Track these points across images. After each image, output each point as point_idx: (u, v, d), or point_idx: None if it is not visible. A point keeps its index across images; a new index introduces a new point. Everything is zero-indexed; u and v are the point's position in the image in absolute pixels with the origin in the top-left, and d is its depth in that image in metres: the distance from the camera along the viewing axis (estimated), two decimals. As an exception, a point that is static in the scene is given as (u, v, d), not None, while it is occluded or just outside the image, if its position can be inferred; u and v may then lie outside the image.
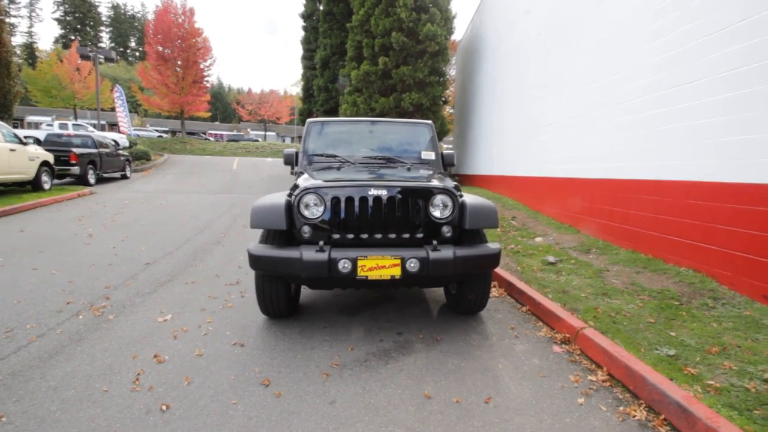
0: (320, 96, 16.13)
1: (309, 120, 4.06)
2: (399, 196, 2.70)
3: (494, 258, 2.69)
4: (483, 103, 11.73)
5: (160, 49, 27.75)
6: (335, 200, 2.70)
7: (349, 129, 4.15)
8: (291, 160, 3.92)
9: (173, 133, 43.98)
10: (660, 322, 2.84)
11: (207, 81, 34.51)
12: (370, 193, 2.70)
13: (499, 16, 10.42)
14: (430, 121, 4.17)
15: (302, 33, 19.33)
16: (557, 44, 6.78)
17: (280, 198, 2.85)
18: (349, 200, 2.69)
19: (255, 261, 2.57)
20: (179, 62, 30.52)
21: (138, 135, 27.79)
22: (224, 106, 61.91)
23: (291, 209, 2.72)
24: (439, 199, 2.76)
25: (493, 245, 2.76)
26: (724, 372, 2.18)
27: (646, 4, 4.54)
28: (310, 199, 2.70)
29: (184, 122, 35.31)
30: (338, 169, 3.48)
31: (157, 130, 39.67)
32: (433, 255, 2.51)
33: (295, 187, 2.98)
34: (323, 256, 2.46)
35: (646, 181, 4.41)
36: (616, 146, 5.03)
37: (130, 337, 2.70)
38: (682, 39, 3.95)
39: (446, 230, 2.74)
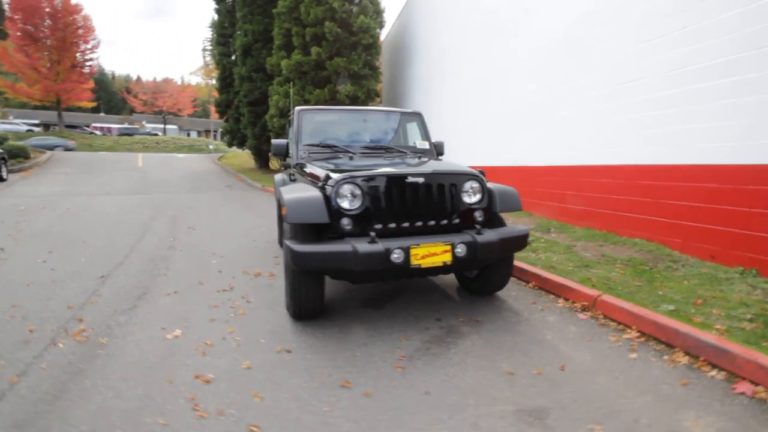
0: (243, 86, 15.03)
1: (299, 108, 3.82)
2: (435, 182, 2.71)
3: (525, 238, 2.87)
4: (417, 97, 12.07)
5: (28, 27, 23.30)
6: (374, 189, 2.61)
7: (341, 118, 4.01)
8: (282, 151, 3.67)
9: (47, 126, 37.23)
10: (645, 284, 3.30)
11: (89, 66, 29.92)
12: (408, 180, 2.66)
13: (433, 14, 10.80)
14: (419, 111, 4.21)
15: (215, 16, 17.70)
16: (500, 45, 7.29)
17: (309, 190, 2.66)
18: (388, 189, 2.63)
19: (302, 258, 2.36)
20: (50, 43, 25.92)
21: None
22: (109, 96, 54.04)
23: (327, 201, 2.55)
24: (469, 185, 2.83)
25: (521, 227, 2.93)
26: (718, 317, 2.64)
27: (592, 14, 5.14)
28: (347, 189, 2.57)
29: (62, 113, 30.19)
30: (350, 158, 3.35)
31: (26, 123, 33.16)
32: (480, 239, 2.58)
33: (303, 176, 2.82)
34: (379, 247, 2.37)
35: (599, 166, 5.03)
36: (564, 137, 5.64)
37: (147, 360, 2.30)
38: (628, 43, 4.57)
39: (478, 215, 2.83)
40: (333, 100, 12.18)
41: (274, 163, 18.52)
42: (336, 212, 2.53)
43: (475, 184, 2.84)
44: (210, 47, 21.59)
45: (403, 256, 2.42)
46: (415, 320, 2.84)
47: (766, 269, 3.25)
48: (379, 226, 2.60)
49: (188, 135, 44.58)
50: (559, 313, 2.96)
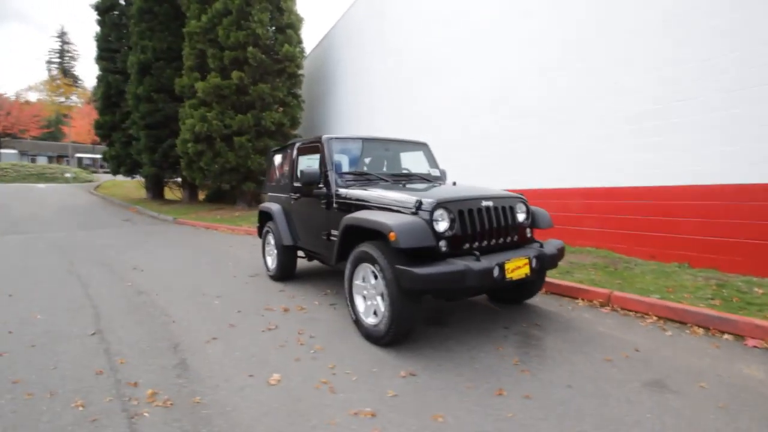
0: (141, 107, 13.36)
1: (327, 137, 3.85)
2: (499, 205, 3.09)
3: (564, 251, 3.41)
4: (340, 126, 12.41)
5: None
6: (459, 213, 2.86)
7: (366, 147, 4.12)
8: (315, 179, 3.63)
9: None
10: (624, 281, 4.17)
11: None
12: (482, 204, 2.99)
13: (361, 48, 11.42)
14: (425, 141, 4.59)
15: (98, 28, 15.37)
16: (433, 83, 8.19)
17: (406, 217, 2.75)
18: (470, 212, 2.91)
19: (425, 280, 2.46)
20: None
21: None
22: None
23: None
24: (519, 206, 3.29)
25: (558, 241, 3.47)
26: (690, 299, 3.54)
27: (540, 56, 6.29)
28: (442, 213, 2.77)
29: None
30: (403, 185, 3.51)
31: None
32: (546, 252, 3.03)
33: (347, 203, 2.99)
34: (487, 265, 2.62)
35: (549, 189, 6.06)
36: (517, 166, 6.63)
37: (279, 409, 2.09)
38: (566, 96, 5.75)
39: (528, 232, 3.30)
40: (258, 126, 11.77)
41: (174, 193, 16.61)
42: (435, 235, 2.70)
43: (523, 206, 3.31)
44: (56, 60, 18.48)
45: (500, 271, 2.72)
46: (486, 332, 3.10)
47: (693, 262, 4.43)
48: (466, 246, 2.85)
49: (33, 161, 36.46)
50: (587, 310, 3.57)
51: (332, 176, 3.66)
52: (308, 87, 14.48)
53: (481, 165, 7.13)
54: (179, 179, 15.34)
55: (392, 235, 2.58)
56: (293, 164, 4.40)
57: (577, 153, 5.64)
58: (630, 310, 3.48)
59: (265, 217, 5.04)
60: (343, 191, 3.51)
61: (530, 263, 2.92)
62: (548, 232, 6.15)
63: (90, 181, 27.43)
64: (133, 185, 19.85)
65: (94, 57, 15.56)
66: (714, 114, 4.24)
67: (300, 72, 12.71)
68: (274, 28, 12.08)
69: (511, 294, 3.69)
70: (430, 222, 2.71)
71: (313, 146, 4.07)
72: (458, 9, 7.67)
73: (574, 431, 1.86)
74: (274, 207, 4.67)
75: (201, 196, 16.47)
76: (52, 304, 3.91)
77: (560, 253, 3.22)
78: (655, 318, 3.29)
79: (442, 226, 2.75)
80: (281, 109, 12.50)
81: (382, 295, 2.79)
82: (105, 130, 15.87)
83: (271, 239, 4.82)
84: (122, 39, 14.90)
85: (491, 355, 2.68)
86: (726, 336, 2.89)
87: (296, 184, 4.29)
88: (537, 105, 6.17)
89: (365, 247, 2.90)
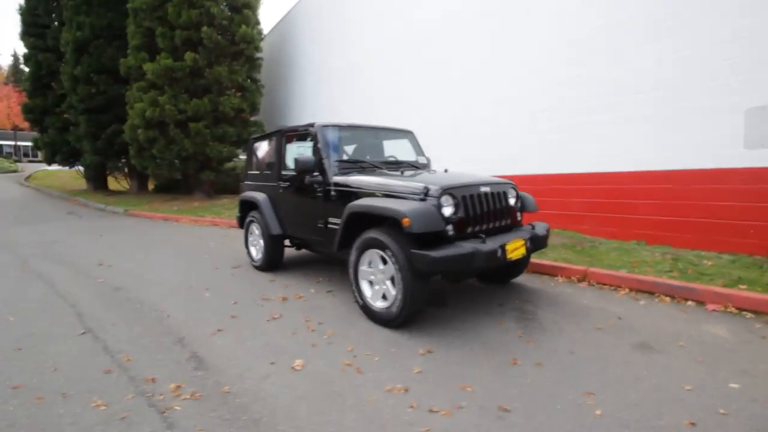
0: (79, 89, 12.17)
1: (322, 124, 3.82)
2: (495, 190, 3.28)
3: (549, 232, 3.69)
4: (305, 114, 12.16)
5: None
6: (464, 198, 3.01)
7: (355, 135, 4.14)
8: (310, 167, 3.62)
9: None
10: (592, 258, 4.58)
11: None
12: (482, 190, 3.16)
13: (328, 41, 11.16)
14: (411, 129, 4.68)
15: (21, 0, 13.61)
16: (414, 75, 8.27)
17: (416, 203, 2.84)
18: (471, 197, 3.06)
19: (440, 262, 2.58)
20: None
21: None
22: None
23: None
24: (512, 191, 3.50)
25: (545, 224, 3.72)
26: (652, 272, 3.99)
27: (502, 64, 6.54)
28: (447, 199, 2.90)
29: None
30: (402, 172, 3.58)
31: None
32: (538, 233, 3.28)
33: (350, 194, 3.14)
34: (493, 246, 2.80)
35: (518, 176, 6.41)
36: (481, 154, 6.92)
37: (322, 391, 2.13)
38: (539, 83, 6.07)
39: (518, 216, 3.53)
40: (215, 112, 11.20)
41: (120, 184, 15.40)
42: (443, 220, 2.82)
43: (513, 191, 3.52)
44: None
45: (501, 252, 2.91)
46: (484, 310, 3.31)
47: (649, 240, 4.95)
48: (469, 230, 3.01)
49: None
50: (568, 285, 3.91)
51: (328, 164, 3.66)
52: (266, 72, 13.95)
53: (449, 155, 7.36)
54: (126, 168, 14.25)
55: (406, 221, 2.67)
56: (281, 152, 4.31)
57: (543, 142, 6.01)
58: (605, 284, 3.86)
59: (247, 207, 4.91)
60: (341, 179, 3.53)
61: (526, 244, 3.15)
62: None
63: (14, 171, 24.65)
64: (71, 175, 18.10)
65: (19, 33, 13.82)
66: (666, 107, 4.71)
67: (259, 55, 12.21)
68: (229, 7, 11.45)
69: (500, 273, 3.93)
70: (438, 207, 2.83)
71: (304, 134, 4.02)
72: (427, -3, 7.75)
73: (587, 390, 2.10)
74: (259, 196, 4.56)
75: (151, 185, 15.45)
76: (21, 305, 3.60)
77: (548, 235, 3.48)
78: (627, 290, 3.68)
79: (447, 211, 2.89)
80: (239, 94, 11.97)
81: (392, 279, 2.88)
82: (36, 115, 14.29)
83: (255, 229, 4.71)
84: (52, 13, 13.36)
85: (495, 330, 2.88)
86: (689, 302, 3.32)
87: (285, 173, 4.22)
88: (507, 96, 6.46)
89: (373, 233, 2.97)
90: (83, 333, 2.97)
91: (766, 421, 1.82)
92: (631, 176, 5.08)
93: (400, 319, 2.84)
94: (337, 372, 2.34)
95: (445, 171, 3.89)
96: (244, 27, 11.16)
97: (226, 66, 11.34)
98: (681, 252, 4.49)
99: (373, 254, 3.02)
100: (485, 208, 3.14)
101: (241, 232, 5.04)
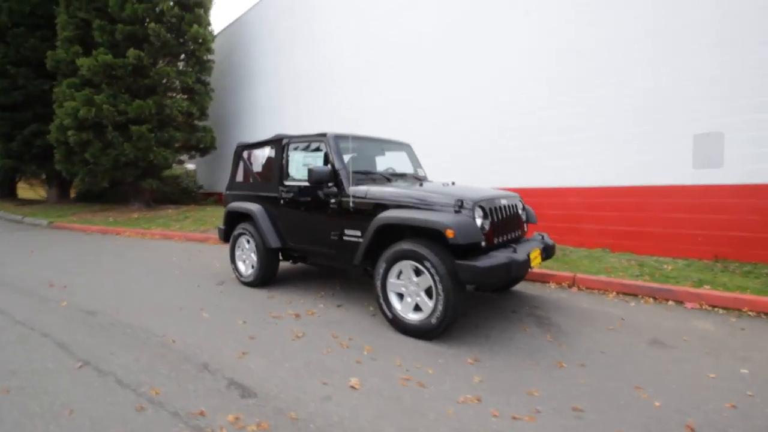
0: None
1: (333, 134, 3.76)
2: (508, 203, 3.47)
3: None
4: (260, 122, 11.72)
5: None
6: (490, 210, 3.14)
7: (366, 146, 4.11)
8: (325, 178, 3.54)
9: None
10: (569, 265, 5.00)
11: None
12: (501, 202, 3.32)
13: (280, 36, 10.89)
14: (408, 142, 4.76)
15: None
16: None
17: (454, 215, 2.90)
18: (495, 210, 3.21)
19: (485, 272, 2.67)
20: None
21: None
22: None
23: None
24: (520, 203, 3.73)
25: (545, 233, 4.00)
26: (624, 276, 4.47)
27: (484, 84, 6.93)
28: (478, 211, 3.01)
29: None
30: (421, 184, 3.61)
31: None
32: (548, 243, 3.52)
33: (376, 207, 3.22)
34: (524, 256, 2.95)
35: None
36: (459, 169, 7.22)
37: (394, 408, 2.07)
38: (508, 112, 6.52)
39: (525, 227, 3.76)
40: (160, 114, 10.35)
41: (35, 191, 13.40)
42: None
43: (521, 203, 3.75)
44: None
45: (528, 260, 3.08)
46: (502, 317, 3.45)
47: (613, 248, 5.52)
48: (496, 241, 3.15)
49: None
50: (562, 291, 4.21)
51: (344, 174, 3.59)
52: (217, 76, 13.23)
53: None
54: (44, 174, 12.49)
55: (451, 233, 2.72)
56: (282, 162, 4.13)
57: (518, 158, 6.46)
58: (593, 288, 4.23)
59: (235, 219, 4.61)
60: (361, 190, 3.48)
61: (541, 253, 3.36)
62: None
63: None
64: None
65: None
66: (628, 130, 5.35)
67: (210, 57, 11.57)
68: (180, 5, 10.73)
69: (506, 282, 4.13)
70: (473, 219, 2.93)
71: (313, 144, 3.91)
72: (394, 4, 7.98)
73: (635, 384, 2.30)
74: (253, 207, 4.30)
75: (73, 194, 13.70)
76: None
77: (555, 244, 3.76)
78: (614, 293, 4.07)
79: (479, 222, 2.99)
80: (186, 97, 11.19)
81: (428, 290, 2.91)
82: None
83: (245, 243, 4.43)
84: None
85: (523, 336, 3.03)
86: (670, 302, 3.77)
87: (289, 183, 4.05)
88: (484, 115, 6.84)
89: (407, 245, 2.97)
90: (81, 366, 2.56)
91: (783, 401, 2.15)
92: (598, 191, 5.65)
93: (440, 330, 2.86)
94: (399, 387, 2.29)
95: (453, 184, 4.02)
96: (195, 26, 10.53)
97: (174, 67, 10.58)
98: (643, 258, 5.08)
99: (405, 266, 3.02)
100: (505, 220, 3.31)
101: (207, 245, 4.73)
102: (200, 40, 10.78)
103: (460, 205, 2.98)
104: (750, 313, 3.45)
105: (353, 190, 3.51)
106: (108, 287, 4.41)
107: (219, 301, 3.93)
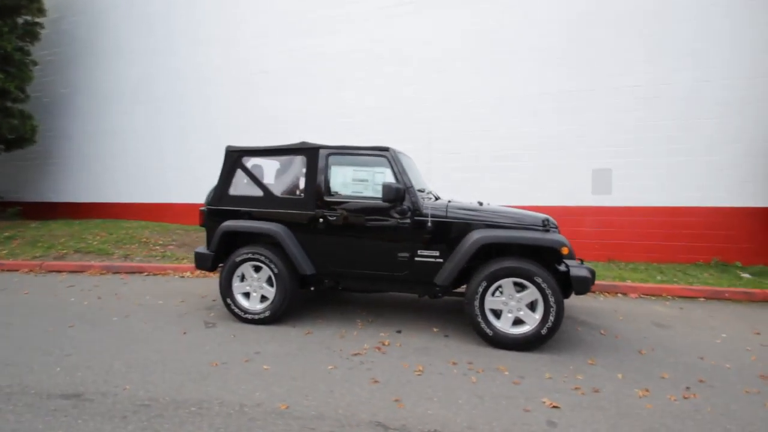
0: None
1: (395, 150, 3.56)
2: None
3: None
4: (105, 110, 9.26)
5: None
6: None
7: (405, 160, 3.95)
8: (400, 195, 3.37)
9: None
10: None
11: None
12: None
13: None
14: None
15: None
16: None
17: (538, 233, 3.20)
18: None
19: (592, 282, 3.05)
20: None
21: None
22: None
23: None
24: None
25: None
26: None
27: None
28: (555, 229, 3.42)
29: None
30: (481, 203, 3.73)
31: None
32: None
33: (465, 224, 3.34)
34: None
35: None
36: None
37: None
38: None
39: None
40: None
41: None
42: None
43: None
44: None
45: (580, 271, 3.65)
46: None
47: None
48: (558, 256, 3.61)
49: None
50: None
51: (414, 192, 3.43)
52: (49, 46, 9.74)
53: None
54: None
55: (566, 250, 3.03)
56: (322, 176, 3.57)
57: (458, 180, 7.21)
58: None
59: (233, 241, 3.70)
60: (438, 208, 3.41)
61: (567, 264, 4.01)
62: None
63: None
64: None
65: None
66: (542, 162, 6.76)
67: (39, 20, 8.50)
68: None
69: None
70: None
71: (363, 157, 3.56)
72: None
73: (687, 356, 3.08)
74: (275, 227, 3.55)
75: None
76: None
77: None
78: (579, 292, 5.11)
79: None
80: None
81: (531, 304, 3.12)
82: None
83: (252, 270, 3.61)
84: None
85: (584, 334, 3.55)
86: (618, 294, 5.00)
87: (331, 200, 3.53)
88: (421, 137, 7.34)
89: (511, 263, 3.11)
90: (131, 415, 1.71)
91: None
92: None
93: (547, 340, 3.10)
94: (577, 399, 2.43)
95: (480, 204, 4.32)
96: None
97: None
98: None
99: (507, 283, 3.15)
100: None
101: (93, 277, 3.73)
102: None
103: (546, 224, 3.32)
104: (668, 297, 4.94)
105: (431, 207, 3.40)
106: (58, 353, 2.85)
107: (256, 347, 3.09)
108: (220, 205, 3.81)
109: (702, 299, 4.83)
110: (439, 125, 7.27)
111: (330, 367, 2.79)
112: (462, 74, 7.16)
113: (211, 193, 3.93)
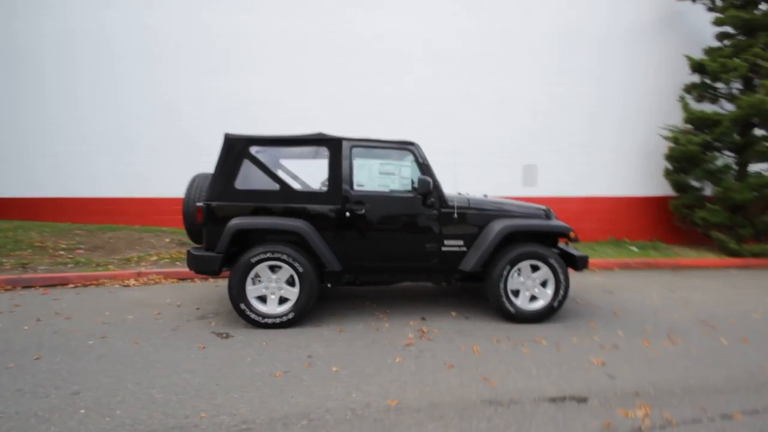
0: None
1: (417, 143, 3.65)
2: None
3: None
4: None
5: None
6: (543, 216, 4.14)
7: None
8: (431, 188, 3.55)
9: None
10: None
11: None
12: (532, 210, 4.39)
13: None
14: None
15: None
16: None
17: (542, 220, 3.70)
18: (538, 215, 4.24)
19: (587, 261, 3.64)
20: None
21: None
22: None
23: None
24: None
25: None
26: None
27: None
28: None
29: None
30: (485, 196, 4.04)
31: None
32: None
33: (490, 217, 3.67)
34: (571, 247, 4.14)
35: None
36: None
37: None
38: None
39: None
40: None
41: None
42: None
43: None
44: None
45: (559, 251, 4.29)
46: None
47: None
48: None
49: None
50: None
51: (440, 185, 3.58)
52: None
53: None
54: None
55: (573, 234, 3.56)
56: (344, 168, 3.42)
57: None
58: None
59: (243, 240, 3.33)
60: (462, 200, 3.63)
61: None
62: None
63: None
64: None
65: None
66: (484, 160, 7.51)
67: None
68: None
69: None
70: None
71: (387, 150, 3.56)
72: None
73: (640, 318, 3.95)
74: (299, 223, 3.30)
75: None
76: None
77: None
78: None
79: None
80: None
81: (545, 282, 3.59)
82: None
83: (269, 271, 3.31)
84: None
85: (585, 309, 4.19)
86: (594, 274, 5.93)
87: (359, 192, 3.43)
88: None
89: (530, 248, 3.53)
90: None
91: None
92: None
93: (558, 310, 3.61)
94: (608, 354, 2.94)
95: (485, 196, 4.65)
96: None
97: None
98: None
99: (525, 265, 3.55)
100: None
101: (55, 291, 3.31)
102: None
103: (546, 213, 3.83)
104: (594, 269, 6.04)
105: (456, 200, 3.59)
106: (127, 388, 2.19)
107: (302, 351, 2.89)
108: (223, 200, 3.37)
109: (617, 269, 6.08)
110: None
111: (397, 359, 2.80)
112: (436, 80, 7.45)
113: (206, 187, 3.44)
